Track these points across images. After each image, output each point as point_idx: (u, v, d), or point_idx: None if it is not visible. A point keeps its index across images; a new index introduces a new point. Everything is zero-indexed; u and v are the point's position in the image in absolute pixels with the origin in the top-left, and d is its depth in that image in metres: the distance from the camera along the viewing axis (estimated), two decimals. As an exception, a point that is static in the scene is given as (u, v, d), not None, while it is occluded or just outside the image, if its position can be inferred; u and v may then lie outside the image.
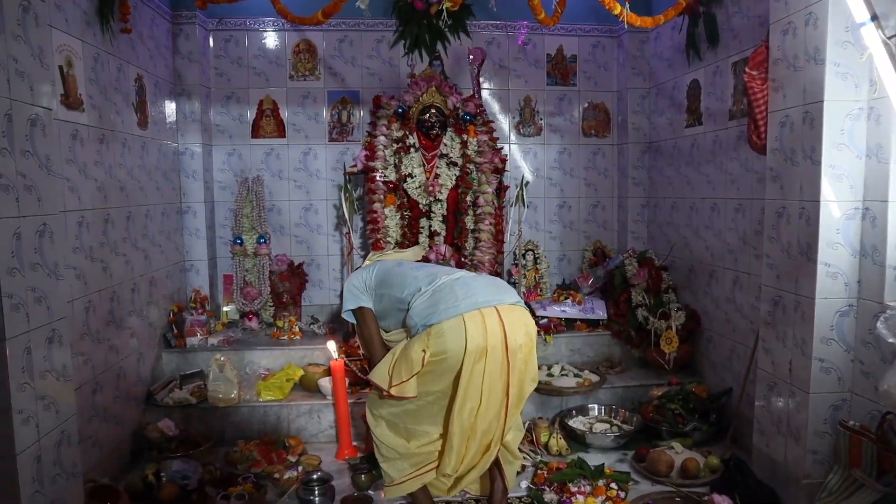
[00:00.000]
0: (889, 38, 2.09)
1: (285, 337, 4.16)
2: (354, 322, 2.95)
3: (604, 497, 2.87)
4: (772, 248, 2.90)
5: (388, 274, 2.81)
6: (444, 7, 2.37)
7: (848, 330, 2.64)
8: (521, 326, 2.52)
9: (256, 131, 4.53)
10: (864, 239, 2.58)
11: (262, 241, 4.36)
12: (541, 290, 4.49)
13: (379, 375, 2.59)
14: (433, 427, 2.63)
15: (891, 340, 2.31)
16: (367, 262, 3.11)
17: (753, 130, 2.98)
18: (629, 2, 2.98)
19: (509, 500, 2.85)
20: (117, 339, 3.31)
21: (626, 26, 4.05)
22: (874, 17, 2.05)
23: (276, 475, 3.10)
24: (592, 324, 4.22)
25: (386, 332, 2.85)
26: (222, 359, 3.68)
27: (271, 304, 4.44)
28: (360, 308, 2.85)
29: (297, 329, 4.23)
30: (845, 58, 2.48)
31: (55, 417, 2.20)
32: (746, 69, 2.93)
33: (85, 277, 2.96)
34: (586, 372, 3.89)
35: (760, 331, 3.02)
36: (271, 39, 4.49)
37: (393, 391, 2.52)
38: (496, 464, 2.72)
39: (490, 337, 2.42)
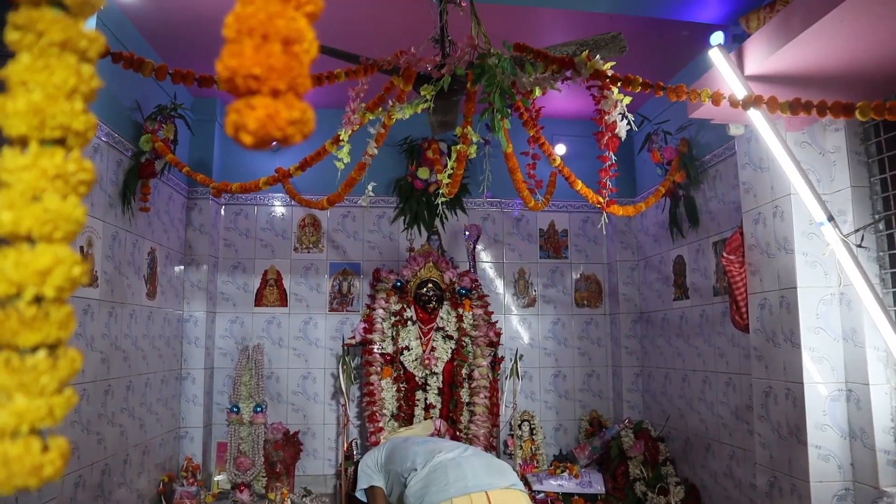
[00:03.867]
0: (846, 236, 2.27)
1: (276, 510, 4.05)
2: (366, 501, 3.04)
3: None
4: (762, 427, 2.93)
5: (395, 450, 2.93)
6: (439, 202, 2.56)
7: (847, 515, 2.61)
8: None
9: (259, 300, 4.69)
10: (851, 421, 2.63)
11: (258, 409, 4.37)
12: (537, 462, 4.42)
13: None
14: None
15: (888, 530, 2.29)
16: (382, 441, 3.24)
17: (735, 311, 3.12)
18: (611, 186, 3.25)
19: None
20: (104, 514, 3.25)
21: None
22: (830, 218, 2.24)
23: None
24: (591, 498, 4.12)
25: None
26: (210, 535, 3.57)
27: (264, 474, 4.36)
28: (371, 487, 2.97)
29: (289, 502, 4.12)
30: (812, 248, 2.67)
31: None
32: (724, 254, 3.12)
33: (79, 451, 2.96)
34: (586, 552, 3.75)
35: (759, 512, 2.97)
36: (279, 214, 4.78)
37: None
38: None
39: None
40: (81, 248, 2.99)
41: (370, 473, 2.95)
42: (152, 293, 3.87)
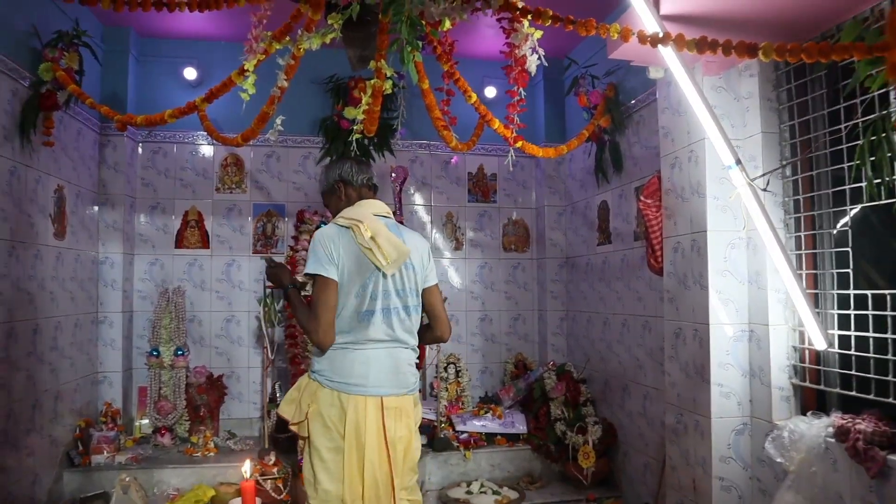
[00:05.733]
0: (753, 179, 2.30)
1: (199, 454, 4.00)
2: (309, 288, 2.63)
3: None
4: (672, 366, 3.02)
5: (345, 275, 2.46)
6: (353, 139, 2.48)
7: (744, 448, 2.73)
8: (404, 419, 2.49)
9: (180, 242, 4.54)
10: (751, 360, 2.73)
11: (179, 353, 4.27)
12: (462, 404, 4.49)
13: (286, 408, 2.54)
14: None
15: (779, 460, 2.41)
16: (339, 220, 2.55)
17: (651, 254, 3.17)
18: (518, 122, 3.19)
19: None
20: (11, 459, 3.14)
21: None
22: (738, 162, 2.27)
23: None
24: (513, 438, 4.22)
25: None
26: (128, 479, 3.51)
27: (187, 418, 4.30)
28: (323, 277, 2.43)
29: (211, 445, 4.09)
30: (723, 192, 2.72)
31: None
32: (641, 197, 3.15)
33: (-24, 396, 2.84)
34: (505, 489, 3.85)
35: (667, 447, 3.09)
36: (200, 152, 4.59)
37: (293, 428, 2.52)
38: None
39: (369, 426, 2.39)
40: (-28, 182, 2.80)
41: (323, 261, 2.43)
42: (60, 233, 3.69)
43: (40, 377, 3.44)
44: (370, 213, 2.55)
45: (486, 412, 4.30)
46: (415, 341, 2.61)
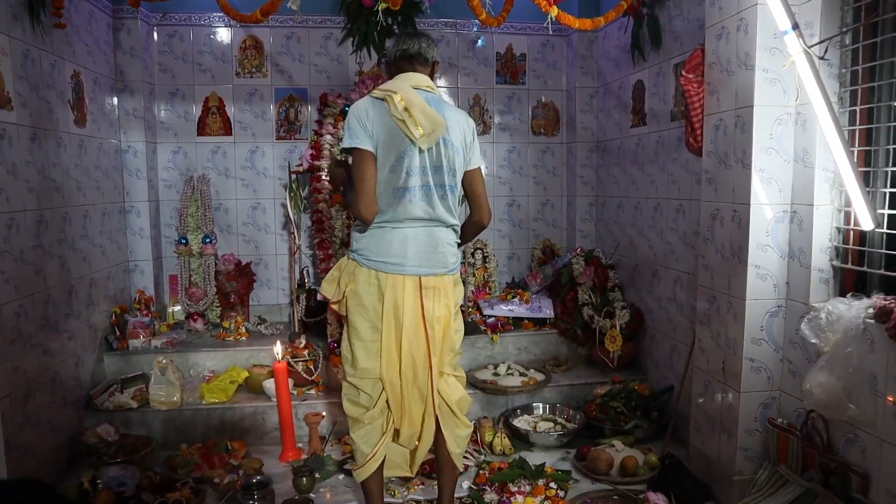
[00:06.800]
0: (810, 46, 2.13)
1: (231, 338, 4.10)
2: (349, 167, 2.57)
3: (543, 497, 2.90)
4: (707, 249, 2.95)
5: (380, 148, 2.39)
6: (378, 8, 2.32)
7: (777, 330, 2.70)
8: (442, 298, 2.48)
9: (202, 129, 4.45)
10: (791, 241, 2.64)
11: (207, 240, 4.30)
12: (489, 289, 4.51)
13: (327, 287, 2.59)
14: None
15: (813, 341, 2.38)
16: (374, 93, 2.46)
17: (690, 133, 3.03)
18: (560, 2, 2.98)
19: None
20: (54, 342, 3.23)
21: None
22: (795, 26, 2.09)
23: (216, 480, 3.06)
24: (540, 322, 4.25)
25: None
26: (165, 361, 3.62)
27: (218, 304, 4.38)
28: (360, 150, 2.39)
29: (243, 330, 4.18)
30: (774, 64, 2.53)
31: (-27, 429, 2.13)
32: (683, 72, 2.97)
33: (15, 282, 2.87)
34: (532, 371, 3.92)
35: (696, 330, 3.07)
36: (217, 35, 4.41)
37: (333, 306, 2.58)
38: (438, 430, 2.60)
39: (407, 305, 2.41)
40: (-15, 64, 2.71)
41: (358, 133, 2.38)
42: (81, 121, 3.62)
43: (73, 265, 3.48)
44: (407, 86, 2.44)
45: (514, 297, 4.32)
46: (455, 221, 2.55)
